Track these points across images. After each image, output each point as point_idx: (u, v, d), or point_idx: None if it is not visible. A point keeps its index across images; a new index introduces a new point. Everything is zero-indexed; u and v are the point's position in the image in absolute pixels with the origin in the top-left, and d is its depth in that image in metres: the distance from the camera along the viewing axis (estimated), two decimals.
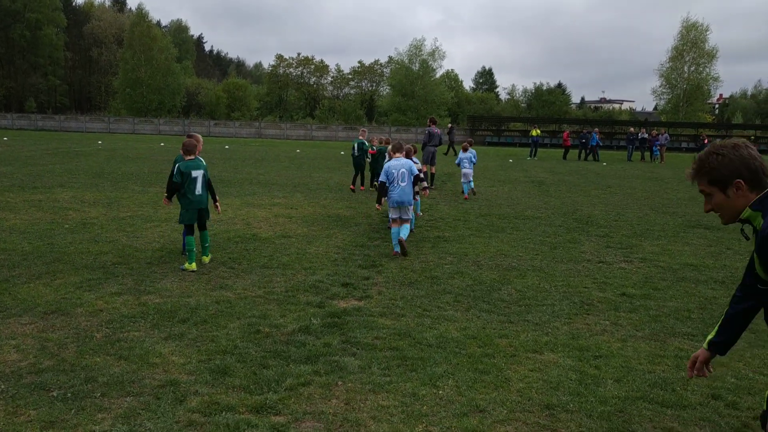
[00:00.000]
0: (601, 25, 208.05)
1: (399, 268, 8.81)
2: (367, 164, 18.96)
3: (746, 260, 10.18)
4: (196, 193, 8.54)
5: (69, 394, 4.56)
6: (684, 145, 65.91)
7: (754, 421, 4.46)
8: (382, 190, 10.06)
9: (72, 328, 5.96)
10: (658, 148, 40.68)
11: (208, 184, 8.77)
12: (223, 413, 4.34)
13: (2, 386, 4.67)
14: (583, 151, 41.35)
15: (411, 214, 10.23)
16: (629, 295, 7.67)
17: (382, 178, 10.05)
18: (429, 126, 20.96)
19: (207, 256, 8.80)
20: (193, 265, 8.32)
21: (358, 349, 5.63)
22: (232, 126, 73.20)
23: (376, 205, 10.24)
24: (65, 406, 4.39)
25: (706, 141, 42.54)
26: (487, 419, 4.38)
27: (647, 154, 41.39)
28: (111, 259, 8.78)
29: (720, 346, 3.23)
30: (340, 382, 4.91)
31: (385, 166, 10.20)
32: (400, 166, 9.93)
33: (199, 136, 9.21)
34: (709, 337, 3.25)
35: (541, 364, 5.39)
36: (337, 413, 4.41)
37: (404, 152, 10.42)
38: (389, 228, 11.00)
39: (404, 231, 9.80)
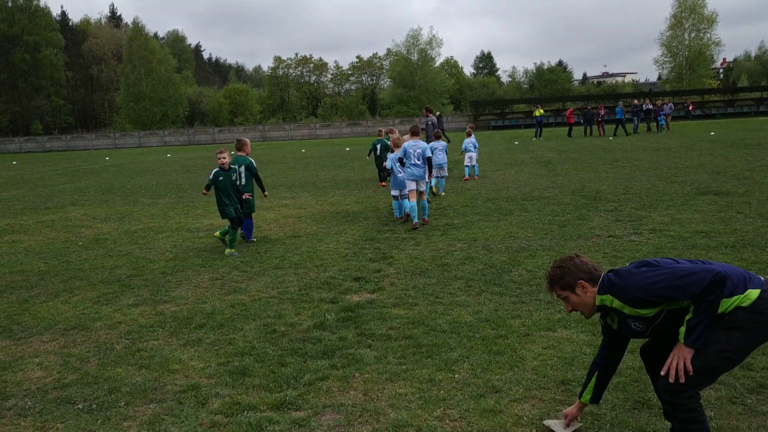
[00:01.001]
0: None
1: (409, 258, 8.88)
2: (374, 158, 18.99)
3: (756, 224, 10.13)
4: (238, 184, 10.45)
5: (94, 406, 4.68)
6: (691, 112, 65.37)
7: None
8: (402, 165, 11.60)
9: (92, 342, 6.08)
10: (663, 117, 40.42)
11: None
12: (245, 413, 4.43)
13: (29, 403, 4.79)
14: (588, 127, 41.15)
15: (423, 187, 11.58)
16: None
17: (400, 154, 11.62)
18: (428, 116, 20.94)
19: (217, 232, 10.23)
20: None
21: (373, 340, 5.71)
22: (237, 131, 73.45)
23: (381, 182, 11.39)
24: (91, 418, 4.50)
25: (691, 108, 42.13)
26: (503, 399, 4.45)
27: (653, 124, 41.14)
28: (126, 272, 8.91)
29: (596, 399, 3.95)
30: (357, 374, 4.99)
31: (404, 145, 11.63)
32: (416, 146, 11.44)
33: (246, 140, 11.45)
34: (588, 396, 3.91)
35: (554, 342, 5.45)
36: (356, 404, 4.49)
37: (420, 136, 11.96)
38: (395, 220, 11.98)
39: (424, 205, 11.53)
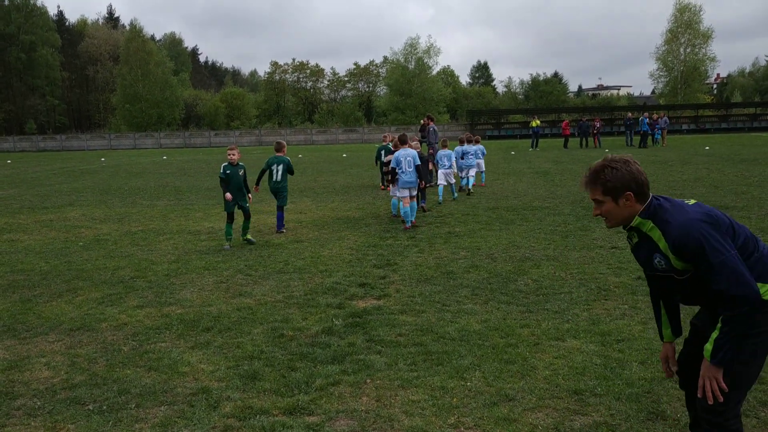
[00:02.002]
0: (594, 11, 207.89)
1: (414, 265, 8.88)
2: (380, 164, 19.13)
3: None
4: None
5: (104, 407, 4.64)
6: (684, 127, 65.85)
7: None
8: (394, 175, 12.27)
9: (99, 343, 6.05)
10: (660, 131, 40.65)
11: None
12: (258, 417, 4.41)
13: (38, 403, 4.75)
14: (584, 139, 41.33)
15: (413, 193, 12.24)
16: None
17: (392, 164, 12.28)
18: (429, 124, 20.95)
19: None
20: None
21: (382, 346, 5.70)
22: (233, 135, 73.37)
23: (381, 186, 11.90)
24: (102, 419, 4.47)
25: (656, 119, 42.13)
26: (517, 407, 4.45)
27: (649, 138, 41.35)
28: (129, 274, 8.87)
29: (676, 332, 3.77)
30: (368, 380, 4.97)
31: (395, 154, 12.39)
32: (407, 155, 12.20)
33: (284, 142, 12.46)
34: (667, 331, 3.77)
35: (565, 351, 5.45)
36: (370, 410, 4.48)
37: (408, 144, 12.67)
38: (394, 216, 12.82)
39: (414, 210, 12.17)
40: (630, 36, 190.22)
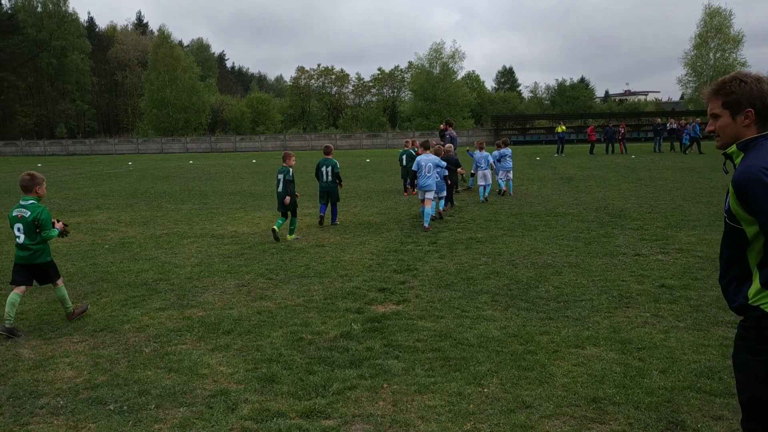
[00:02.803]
0: (621, 15, 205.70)
1: (434, 270, 8.87)
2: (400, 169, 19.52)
3: None
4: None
5: (125, 407, 4.72)
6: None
7: None
8: (414, 178, 13.30)
9: (121, 344, 6.14)
10: (688, 137, 40.07)
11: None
12: (275, 419, 4.44)
13: (61, 402, 4.84)
14: (610, 145, 40.94)
15: (432, 196, 12.89)
16: (668, 287, 7.62)
17: (414, 167, 13.11)
18: (448, 129, 20.82)
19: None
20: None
21: (400, 351, 5.70)
22: (258, 140, 73.95)
23: (405, 193, 14.30)
24: (122, 419, 4.54)
25: (623, 131, 41.48)
26: (534, 414, 4.42)
27: (677, 144, 40.83)
28: (152, 276, 8.99)
29: None
30: (385, 385, 4.98)
31: (417, 159, 13.10)
32: (428, 160, 12.82)
33: (331, 146, 13.93)
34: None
35: (584, 359, 5.41)
36: (386, 415, 4.48)
37: (432, 150, 13.36)
38: (426, 228, 12.60)
39: (431, 210, 12.81)
40: (658, 41, 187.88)
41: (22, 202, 6.83)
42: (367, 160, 40.19)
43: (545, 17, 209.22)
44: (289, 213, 11.87)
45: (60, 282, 6.99)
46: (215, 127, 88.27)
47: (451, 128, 20.93)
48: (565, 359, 5.42)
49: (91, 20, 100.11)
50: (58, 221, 7.14)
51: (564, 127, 44.65)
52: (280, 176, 11.99)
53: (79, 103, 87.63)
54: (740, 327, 2.94)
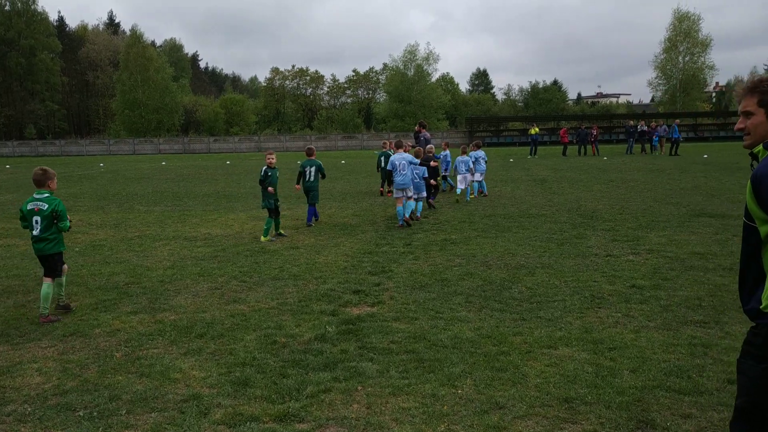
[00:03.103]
0: (594, 19, 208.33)
1: (409, 272, 8.89)
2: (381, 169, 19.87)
3: None
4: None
5: (95, 413, 4.64)
6: (683, 135, 65.84)
7: None
8: (390, 176, 13.88)
9: (91, 349, 6.05)
10: (658, 139, 40.74)
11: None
12: (248, 423, 4.41)
13: (29, 409, 4.75)
14: (582, 146, 41.40)
15: (414, 195, 13.51)
16: (639, 287, 7.73)
17: (389, 167, 13.53)
18: (421, 131, 20.86)
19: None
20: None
21: (374, 354, 5.70)
22: (232, 141, 73.45)
23: (381, 188, 15.47)
24: (92, 425, 4.46)
25: (595, 133, 42.18)
26: (507, 415, 4.45)
27: (647, 146, 41.45)
28: (123, 280, 8.88)
29: None
30: (360, 387, 4.98)
31: (391, 158, 13.53)
32: (402, 158, 13.17)
33: (313, 147, 14.50)
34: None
35: (556, 359, 5.46)
36: (360, 417, 4.48)
37: (404, 149, 13.84)
38: (400, 226, 13.00)
39: (409, 208, 13.23)
40: (629, 44, 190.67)
41: (36, 196, 7.26)
42: (342, 162, 40.11)
43: (519, 20, 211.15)
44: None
45: (53, 281, 7.17)
46: (188, 128, 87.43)
47: (425, 130, 20.98)
48: (537, 360, 5.47)
49: (61, 19, 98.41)
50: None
51: (537, 129, 45.10)
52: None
53: (48, 104, 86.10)
54: (749, 332, 2.87)
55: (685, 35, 73.90)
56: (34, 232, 7.16)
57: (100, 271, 9.43)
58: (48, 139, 78.75)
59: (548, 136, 65.55)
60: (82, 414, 4.64)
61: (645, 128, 41.82)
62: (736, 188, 18.53)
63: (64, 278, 7.39)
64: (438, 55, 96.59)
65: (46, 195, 7.27)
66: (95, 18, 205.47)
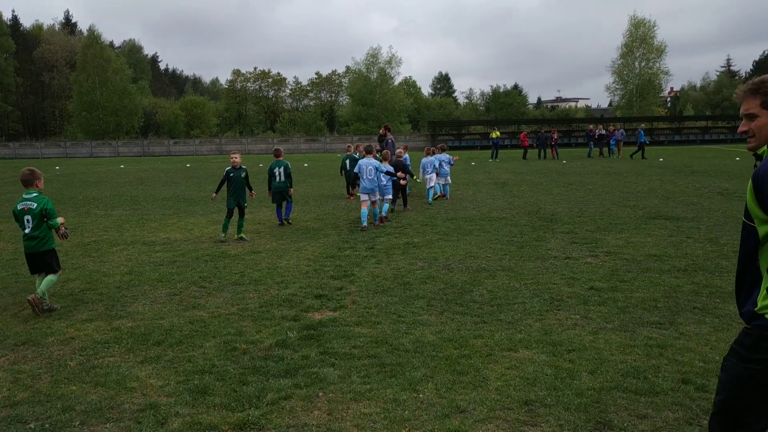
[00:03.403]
0: (555, 24, 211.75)
1: (371, 276, 8.87)
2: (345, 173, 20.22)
3: (706, 248, 10.50)
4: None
5: (47, 425, 4.51)
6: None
7: None
8: (355, 180, 14.66)
9: (44, 358, 5.88)
10: (615, 143, 41.59)
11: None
12: None
13: None
14: (542, 150, 42.01)
15: (379, 198, 13.82)
16: (597, 289, 7.86)
17: (356, 170, 13.84)
18: (386, 135, 20.93)
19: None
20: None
21: (336, 359, 5.67)
22: (192, 144, 72.54)
23: (350, 197, 15.89)
24: None
25: (555, 137, 42.99)
26: (468, 419, 4.47)
27: (605, 149, 42.28)
28: (79, 286, 8.66)
29: None
30: (321, 393, 4.94)
31: (358, 163, 13.80)
32: (368, 164, 13.47)
33: (281, 149, 15.31)
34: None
35: (516, 362, 5.50)
36: (321, 424, 4.44)
37: (372, 154, 14.19)
38: (361, 230, 13.07)
39: (375, 211, 13.72)
40: (588, 49, 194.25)
41: (25, 196, 7.53)
42: (305, 165, 39.92)
43: (481, 25, 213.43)
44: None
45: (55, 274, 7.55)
46: (148, 130, 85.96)
47: (390, 133, 21.06)
48: (498, 362, 5.51)
49: (15, 18, 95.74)
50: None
51: (498, 133, 45.65)
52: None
53: (2, 105, 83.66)
54: (741, 332, 2.88)
55: (641, 41, 75.69)
56: (26, 231, 7.47)
57: None
58: (1, 141, 76.57)
59: (509, 139, 66.35)
60: (33, 426, 4.50)
61: (603, 132, 42.64)
62: (689, 191, 19.01)
63: (56, 277, 7.59)
64: (400, 59, 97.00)
65: (35, 194, 7.55)
66: (51, 18, 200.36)
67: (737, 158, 36.54)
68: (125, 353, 5.97)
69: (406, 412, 4.59)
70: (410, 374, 5.26)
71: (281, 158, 14.31)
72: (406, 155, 20.15)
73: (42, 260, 7.50)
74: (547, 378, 5.13)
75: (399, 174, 15.50)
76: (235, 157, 12.41)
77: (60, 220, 7.69)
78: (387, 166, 14.15)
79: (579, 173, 27.19)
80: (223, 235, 12.21)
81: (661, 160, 36.33)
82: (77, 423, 4.54)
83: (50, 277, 7.48)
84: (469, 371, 5.31)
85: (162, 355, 5.89)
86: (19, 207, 7.52)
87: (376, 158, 14.57)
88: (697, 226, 12.41)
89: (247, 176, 12.41)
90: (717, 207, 15.22)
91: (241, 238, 12.14)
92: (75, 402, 4.88)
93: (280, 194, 13.95)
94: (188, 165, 43.38)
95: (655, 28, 75.60)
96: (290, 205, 14.31)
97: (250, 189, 12.62)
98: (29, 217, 7.44)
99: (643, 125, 42.61)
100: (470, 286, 8.15)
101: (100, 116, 76.81)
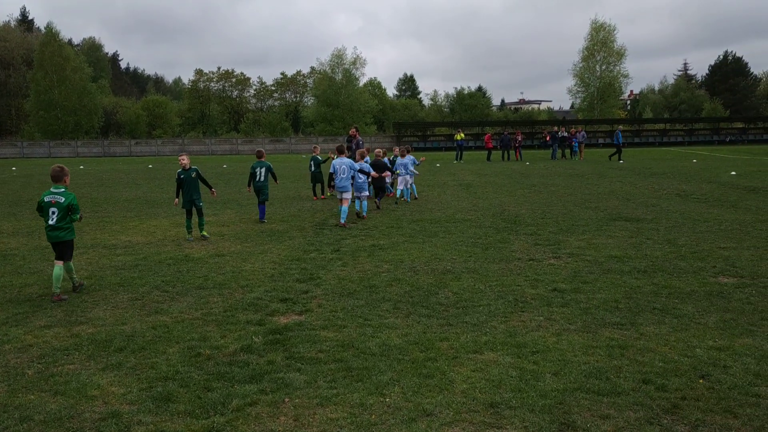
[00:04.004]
0: (518, 26, 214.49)
1: (337, 279, 8.85)
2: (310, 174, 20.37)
3: (665, 250, 10.72)
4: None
5: None
6: (600, 141, 68.65)
7: (682, 401, 4.74)
8: (331, 180, 15.75)
9: (0, 367, 5.71)
10: (578, 145, 42.28)
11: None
12: None
13: None
14: (506, 152, 42.47)
15: (358, 195, 14.75)
16: (560, 290, 7.97)
17: (330, 170, 15.25)
18: (356, 135, 21.09)
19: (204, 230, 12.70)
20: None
21: (302, 363, 5.64)
22: (154, 144, 71.45)
23: (324, 193, 17.71)
24: None
25: (520, 139, 43.77)
26: (434, 422, 4.49)
27: (567, 151, 42.94)
28: (37, 291, 8.45)
29: None
30: (287, 399, 4.91)
31: (333, 162, 14.74)
32: (342, 163, 14.14)
33: (263, 150, 16.01)
34: None
35: (482, 364, 5.55)
36: (287, 430, 4.41)
37: (345, 154, 14.80)
38: (342, 224, 13.34)
39: (364, 208, 14.81)
40: (550, 52, 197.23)
41: (54, 190, 8.24)
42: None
43: (445, 26, 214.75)
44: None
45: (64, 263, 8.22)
46: (108, 130, 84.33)
47: (359, 134, 21.28)
48: (464, 365, 5.55)
49: None
50: None
51: (462, 135, 46.00)
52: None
53: None
54: None
55: (601, 45, 77.12)
56: (50, 222, 8.15)
57: (11, 283, 8.94)
58: None
59: (473, 141, 66.93)
60: None
61: (565, 134, 43.31)
62: (649, 193, 19.43)
63: (72, 263, 8.36)
64: (365, 60, 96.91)
65: (62, 189, 8.27)
66: (6, 14, 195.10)
67: (694, 160, 37.48)
68: (86, 360, 5.84)
69: (373, 416, 4.59)
70: (377, 378, 5.26)
71: (263, 159, 15.11)
72: (386, 159, 20.03)
73: (63, 248, 8.19)
74: (512, 380, 5.18)
75: (373, 174, 16.03)
76: (183, 159, 12.50)
77: (79, 215, 8.43)
78: (362, 164, 14.92)
79: (542, 175, 27.55)
80: (189, 236, 12.35)
81: (621, 162, 37.03)
82: None
83: (68, 264, 8.27)
84: (436, 374, 5.33)
85: (124, 361, 5.78)
86: (46, 199, 8.16)
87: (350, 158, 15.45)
88: (656, 228, 12.69)
89: (199, 175, 12.42)
90: (675, 208, 15.58)
91: (203, 236, 12.34)
92: (33, 412, 4.76)
93: (258, 192, 14.78)
94: (150, 166, 42.69)
95: (616, 32, 77.21)
96: (263, 206, 14.88)
97: (210, 186, 12.82)
98: (55, 209, 8.13)
99: (620, 126, 43.00)
100: (436, 289, 8.19)
101: (59, 115, 75.10)
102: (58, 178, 8.33)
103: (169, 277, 9.18)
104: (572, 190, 20.66)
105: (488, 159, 42.20)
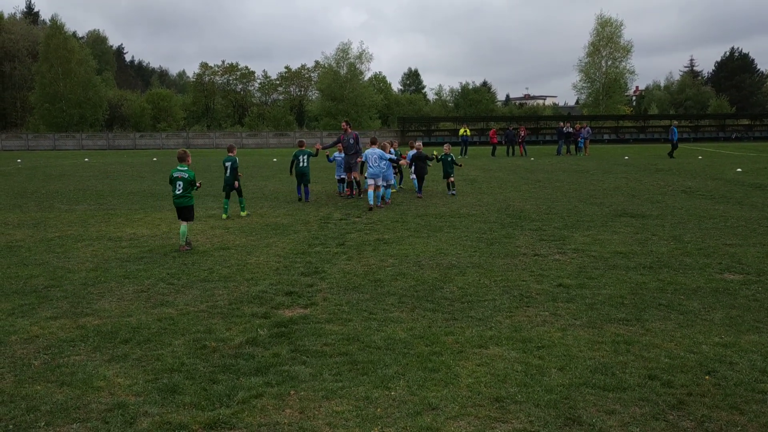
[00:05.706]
0: (523, 22, 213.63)
1: (342, 273, 8.85)
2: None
3: (670, 246, 10.69)
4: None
5: (11, 426, 4.41)
6: (606, 137, 68.46)
7: (688, 397, 4.74)
8: (362, 166, 17.81)
9: (7, 357, 5.74)
10: (583, 141, 42.15)
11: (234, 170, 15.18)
12: None
13: None
14: (510, 147, 42.37)
15: (383, 183, 16.34)
16: (565, 286, 7.96)
17: (363, 158, 16.73)
18: (348, 130, 20.74)
19: (244, 211, 15.06)
20: (225, 216, 14.73)
21: (307, 357, 5.65)
22: (159, 137, 71.44)
23: (356, 175, 18.43)
24: None
25: (523, 134, 43.24)
26: (440, 416, 4.49)
27: (572, 147, 42.83)
28: (43, 283, 8.48)
29: None
30: (292, 392, 4.92)
31: (365, 152, 16.53)
32: (373, 153, 16.14)
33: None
34: None
35: (487, 359, 5.55)
36: (293, 423, 4.42)
37: (378, 145, 16.73)
38: (369, 208, 15.02)
39: (379, 194, 16.06)
40: (556, 48, 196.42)
41: (180, 168, 10.82)
42: (274, 160, 39.64)
43: (451, 21, 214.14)
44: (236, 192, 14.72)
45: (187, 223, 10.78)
46: (113, 123, 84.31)
47: (350, 128, 21.06)
48: (469, 359, 5.55)
49: None
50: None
51: (467, 130, 45.84)
52: (228, 164, 14.95)
53: None
54: None
55: (607, 40, 76.78)
56: (177, 191, 10.73)
57: (17, 274, 8.97)
58: None
59: (478, 136, 66.77)
60: None
61: (570, 130, 43.18)
62: (654, 188, 19.37)
63: (186, 226, 10.71)
64: (371, 54, 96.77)
65: (185, 168, 10.81)
66: (12, 6, 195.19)
67: (700, 157, 37.35)
68: (91, 352, 5.86)
69: (378, 409, 4.60)
70: (382, 372, 5.26)
71: (305, 147, 17.45)
72: (392, 150, 19.71)
73: (186, 211, 10.70)
74: (517, 375, 5.18)
75: (402, 162, 18.37)
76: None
77: (198, 184, 10.90)
78: (390, 155, 17.14)
79: (547, 171, 27.48)
80: (225, 215, 14.43)
81: (626, 158, 36.93)
82: (42, 424, 4.45)
83: (187, 225, 10.74)
84: (441, 368, 5.34)
85: (130, 353, 5.80)
86: (174, 174, 10.74)
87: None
88: (661, 224, 12.66)
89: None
90: (681, 205, 15.54)
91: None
92: (40, 402, 4.78)
93: (302, 176, 17.07)
94: (155, 159, 42.73)
95: (622, 28, 76.78)
96: (307, 188, 17.42)
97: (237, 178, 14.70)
98: (181, 183, 10.69)
99: (675, 122, 41.04)
100: (441, 283, 8.19)
101: (64, 108, 75.09)
102: (182, 158, 10.84)
103: (175, 269, 9.20)
104: (577, 186, 20.61)
105: (493, 154, 42.11)
